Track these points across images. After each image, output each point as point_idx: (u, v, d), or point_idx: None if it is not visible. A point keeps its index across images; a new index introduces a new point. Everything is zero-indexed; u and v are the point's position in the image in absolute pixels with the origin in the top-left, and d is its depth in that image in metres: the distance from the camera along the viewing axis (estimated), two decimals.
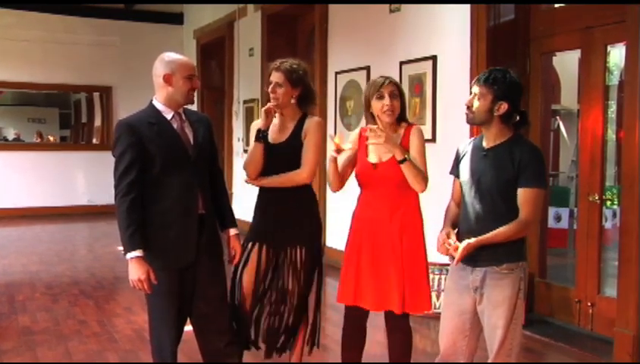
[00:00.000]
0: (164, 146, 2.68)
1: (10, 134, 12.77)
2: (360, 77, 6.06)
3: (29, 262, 6.77)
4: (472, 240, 2.52)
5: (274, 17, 7.78)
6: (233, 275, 3.14)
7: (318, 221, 3.17)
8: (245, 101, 8.51)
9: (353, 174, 3.02)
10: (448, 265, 2.83)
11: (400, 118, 2.92)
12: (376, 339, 3.11)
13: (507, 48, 4.63)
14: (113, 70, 10.73)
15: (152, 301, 2.76)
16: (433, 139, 5.06)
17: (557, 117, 7.72)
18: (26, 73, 10.24)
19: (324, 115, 6.64)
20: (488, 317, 2.56)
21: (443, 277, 4.63)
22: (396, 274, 2.82)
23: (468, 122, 2.65)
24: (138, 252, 2.59)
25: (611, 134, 6.44)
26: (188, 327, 2.90)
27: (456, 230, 2.70)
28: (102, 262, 6.82)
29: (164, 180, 2.68)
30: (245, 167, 3.06)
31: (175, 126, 2.75)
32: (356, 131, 3.07)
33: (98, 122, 11.44)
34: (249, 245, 3.10)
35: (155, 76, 2.74)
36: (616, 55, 6.15)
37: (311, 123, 3.06)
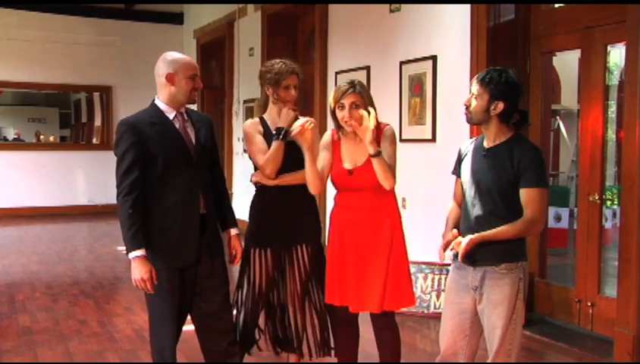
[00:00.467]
0: (166, 146, 2.68)
1: (11, 134, 12.79)
2: (360, 77, 6.04)
3: (29, 261, 6.77)
4: (475, 235, 2.52)
5: (274, 17, 7.78)
6: (239, 279, 3.14)
7: (319, 218, 3.19)
8: (245, 101, 8.51)
9: None
10: (448, 265, 2.84)
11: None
12: (371, 337, 3.11)
13: (507, 48, 4.63)
14: (113, 70, 10.73)
15: (152, 301, 2.76)
16: (433, 139, 5.06)
17: (557, 117, 7.73)
18: (26, 73, 10.25)
19: (324, 115, 6.63)
20: (488, 317, 2.56)
21: (443, 277, 4.63)
22: (379, 273, 2.82)
23: (467, 122, 2.66)
24: (141, 252, 2.60)
25: (611, 134, 6.44)
26: (188, 327, 2.90)
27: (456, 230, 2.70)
28: (102, 261, 6.82)
29: (166, 180, 2.68)
30: (264, 167, 3.00)
31: (177, 126, 2.75)
32: (328, 133, 3.01)
33: (98, 122, 11.45)
34: (254, 250, 3.09)
35: (157, 76, 2.74)
36: (616, 55, 6.15)
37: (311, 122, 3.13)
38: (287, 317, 3.17)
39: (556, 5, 4.63)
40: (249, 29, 8.32)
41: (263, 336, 3.24)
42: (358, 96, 2.82)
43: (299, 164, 3.02)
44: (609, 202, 5.32)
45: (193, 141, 2.77)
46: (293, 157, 3.02)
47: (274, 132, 3.03)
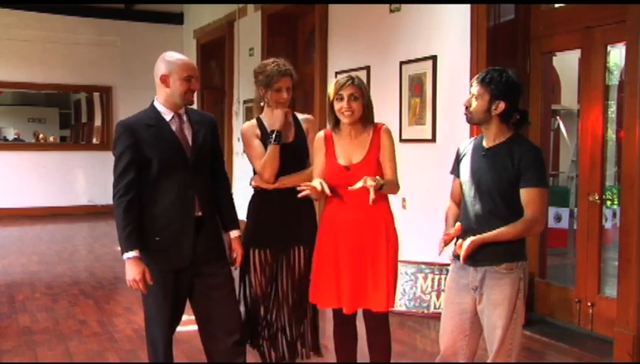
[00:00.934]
0: (161, 149, 2.67)
1: (11, 134, 12.79)
2: (360, 77, 6.04)
3: (29, 261, 6.77)
4: (477, 237, 2.52)
5: (274, 17, 7.78)
6: (240, 281, 3.14)
7: (317, 220, 3.19)
8: (245, 102, 8.51)
9: None
10: (448, 264, 2.83)
11: (366, 119, 2.88)
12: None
13: (507, 48, 4.63)
14: (113, 70, 10.73)
15: (146, 301, 2.77)
16: (433, 139, 5.06)
17: (557, 117, 7.72)
18: (26, 73, 10.25)
19: (324, 115, 6.59)
20: (488, 317, 2.56)
21: (443, 277, 4.63)
22: (379, 272, 2.81)
23: (467, 122, 2.66)
24: (134, 253, 2.61)
25: (611, 134, 6.44)
26: (189, 328, 2.90)
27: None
28: (102, 261, 6.82)
29: (161, 182, 2.68)
30: (261, 172, 2.98)
31: (174, 128, 2.74)
32: (320, 134, 3.00)
33: (98, 122, 11.45)
34: (253, 250, 3.08)
35: (155, 76, 2.73)
36: (616, 55, 6.15)
37: (309, 122, 3.18)
38: (280, 318, 3.16)
39: (556, 5, 4.63)
40: (249, 29, 8.32)
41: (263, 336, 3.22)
42: (357, 89, 2.83)
43: (297, 166, 3.02)
44: (609, 202, 5.32)
45: (190, 143, 2.76)
46: (290, 158, 3.02)
47: (269, 134, 3.02)
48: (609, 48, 4.32)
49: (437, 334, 2.82)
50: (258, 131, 3.07)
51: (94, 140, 11.66)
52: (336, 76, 6.44)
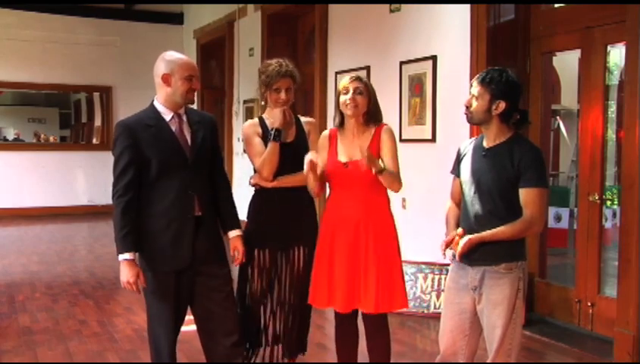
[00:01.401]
0: (161, 150, 2.67)
1: (11, 134, 12.78)
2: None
3: (29, 261, 6.77)
4: (474, 235, 2.52)
5: (274, 17, 7.78)
6: (241, 281, 3.13)
7: (317, 220, 3.19)
8: (245, 101, 8.51)
9: None
10: (448, 264, 2.83)
11: (371, 118, 2.90)
12: None
13: (507, 48, 4.63)
14: (113, 70, 10.73)
15: (149, 302, 2.77)
16: (433, 139, 5.06)
17: (557, 117, 7.72)
18: (26, 73, 10.25)
19: (324, 115, 6.64)
20: (487, 316, 2.56)
21: (443, 277, 4.63)
22: (371, 274, 2.81)
23: (468, 122, 2.66)
24: (129, 255, 2.62)
25: (611, 134, 6.44)
26: (189, 328, 2.90)
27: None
28: (102, 261, 6.82)
29: (161, 182, 2.68)
30: (260, 169, 2.99)
31: (174, 128, 2.74)
32: (326, 132, 3.04)
33: (98, 122, 11.46)
34: (253, 250, 3.07)
35: (155, 76, 2.73)
36: (616, 55, 6.15)
37: (311, 124, 3.21)
38: (279, 319, 3.16)
39: (556, 5, 4.63)
40: (249, 29, 8.32)
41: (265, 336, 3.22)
42: (363, 85, 2.88)
43: (297, 166, 3.02)
44: (609, 202, 5.33)
45: (190, 143, 2.75)
46: (290, 158, 3.02)
47: (269, 133, 3.03)
48: (609, 48, 4.32)
49: (437, 334, 2.82)
50: (259, 129, 3.08)
51: (94, 140, 11.66)
52: (336, 76, 6.45)
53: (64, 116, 13.63)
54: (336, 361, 3.15)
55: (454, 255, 2.63)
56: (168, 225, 2.70)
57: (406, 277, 4.76)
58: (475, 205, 2.58)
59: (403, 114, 5.35)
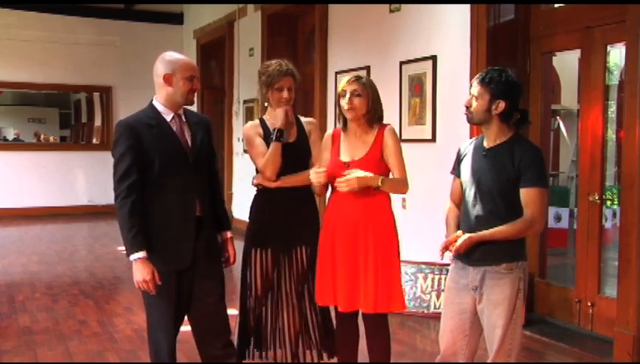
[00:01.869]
0: (163, 149, 2.67)
1: (10, 134, 12.78)
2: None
3: (29, 261, 6.77)
4: (474, 234, 2.52)
5: (274, 17, 7.78)
6: (242, 282, 3.13)
7: (318, 219, 3.19)
8: (245, 101, 8.51)
9: None
10: (448, 264, 2.83)
11: (372, 119, 2.89)
12: None
13: (507, 48, 4.63)
14: (113, 70, 10.73)
15: (150, 302, 2.76)
16: (433, 139, 5.06)
17: (557, 117, 7.73)
18: (26, 73, 10.25)
19: (324, 115, 6.64)
20: (488, 316, 2.56)
21: (443, 277, 4.63)
22: (370, 274, 2.81)
23: (468, 122, 2.66)
24: (142, 253, 2.59)
25: (611, 134, 6.44)
26: (188, 328, 2.90)
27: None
28: (102, 261, 6.82)
29: (162, 182, 2.67)
30: (263, 170, 2.99)
31: (174, 128, 2.74)
32: (329, 132, 3.05)
33: (98, 122, 11.45)
34: (254, 250, 3.08)
35: (155, 76, 2.73)
36: (616, 55, 6.15)
37: (312, 124, 3.22)
38: (281, 319, 3.15)
39: (556, 5, 4.63)
40: (249, 29, 8.33)
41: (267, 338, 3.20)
42: (361, 86, 2.88)
43: (299, 166, 3.03)
44: (609, 202, 5.33)
45: (190, 143, 2.76)
46: (292, 158, 3.02)
47: (271, 133, 3.03)
48: (609, 48, 4.32)
49: (437, 334, 2.83)
50: (260, 130, 3.08)
51: (94, 140, 11.66)
52: (336, 76, 6.46)
53: (64, 116, 13.62)
54: (336, 361, 3.15)
55: (455, 256, 2.63)
56: (170, 225, 2.69)
57: (406, 277, 4.77)
58: (475, 205, 2.58)
59: (403, 114, 5.35)
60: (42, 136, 12.36)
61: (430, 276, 4.78)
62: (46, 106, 13.56)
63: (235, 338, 3.13)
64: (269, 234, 3.07)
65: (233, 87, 8.91)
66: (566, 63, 6.88)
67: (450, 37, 4.91)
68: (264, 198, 3.10)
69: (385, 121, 2.99)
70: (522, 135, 2.64)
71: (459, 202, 2.73)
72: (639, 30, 3.61)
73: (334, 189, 2.96)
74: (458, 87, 4.68)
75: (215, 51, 9.74)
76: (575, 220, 5.21)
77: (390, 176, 2.90)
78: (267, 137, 3.04)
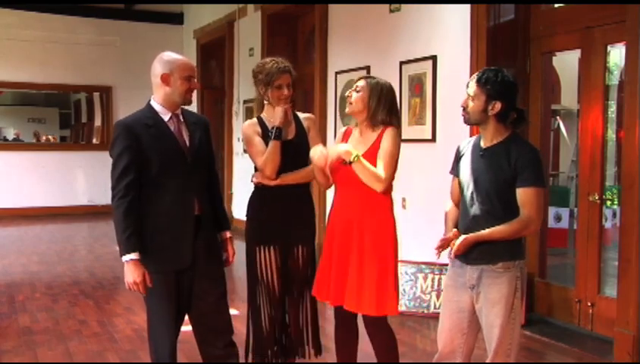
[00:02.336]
0: (161, 149, 2.67)
1: (10, 134, 12.78)
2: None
3: (29, 261, 6.77)
4: (471, 234, 2.53)
5: (274, 17, 7.78)
6: (251, 284, 3.13)
7: (315, 217, 3.22)
8: (245, 101, 8.50)
9: None
10: (447, 264, 2.83)
11: (372, 121, 2.89)
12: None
13: (507, 48, 4.63)
14: (113, 70, 10.73)
15: (150, 302, 2.76)
16: (433, 139, 5.06)
17: (557, 117, 7.72)
18: (26, 73, 10.25)
19: (324, 115, 6.64)
20: (486, 316, 2.57)
21: (443, 277, 4.63)
22: (358, 274, 2.82)
23: (465, 123, 2.67)
24: (134, 255, 2.60)
25: (611, 134, 6.44)
26: (188, 328, 2.90)
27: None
28: (102, 261, 6.82)
29: (161, 182, 2.67)
30: (263, 168, 3.00)
31: (172, 128, 2.74)
32: (343, 129, 3.09)
33: (98, 122, 11.45)
34: (259, 248, 3.07)
35: (153, 76, 2.73)
36: (616, 55, 6.15)
37: (310, 120, 3.22)
38: (287, 318, 3.16)
39: (556, 5, 4.63)
40: (249, 29, 8.33)
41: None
42: (364, 84, 2.93)
43: (298, 163, 3.04)
44: (609, 202, 5.33)
45: (188, 143, 2.76)
46: (292, 155, 3.03)
47: (269, 131, 3.03)
48: (609, 48, 4.32)
49: (437, 333, 2.82)
50: (258, 129, 3.08)
51: (94, 140, 11.66)
52: (336, 76, 6.46)
53: (64, 116, 13.62)
54: (336, 361, 3.15)
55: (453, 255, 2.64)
56: (169, 225, 2.69)
57: (406, 277, 4.77)
58: (472, 205, 2.59)
59: (403, 114, 5.34)
60: (43, 137, 12.35)
61: (430, 276, 4.78)
62: (46, 106, 13.57)
63: (248, 342, 3.14)
64: (270, 232, 3.07)
65: (233, 87, 8.91)
66: (566, 63, 6.88)
67: (450, 37, 4.91)
68: (263, 196, 3.10)
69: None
70: (518, 135, 2.64)
71: (459, 201, 2.73)
72: (639, 30, 3.61)
73: (335, 186, 2.97)
74: (458, 87, 4.66)
75: (215, 51, 9.74)
76: (575, 220, 5.22)
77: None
78: (265, 135, 3.05)
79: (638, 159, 3.61)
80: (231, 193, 8.76)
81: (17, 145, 11.66)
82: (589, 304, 4.22)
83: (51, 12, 10.18)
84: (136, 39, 10.63)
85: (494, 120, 2.56)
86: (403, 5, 5.41)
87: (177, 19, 11.04)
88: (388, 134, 2.87)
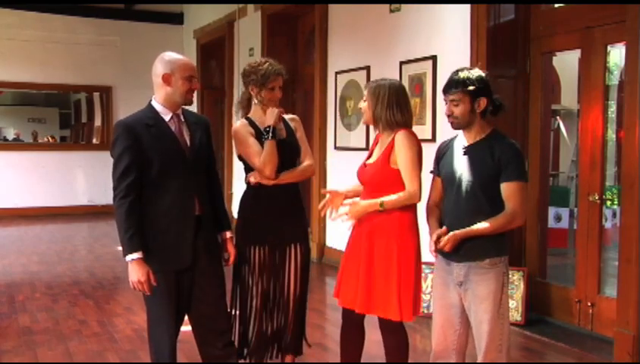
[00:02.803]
0: (162, 149, 2.67)
1: (10, 134, 12.79)
2: (360, 77, 6.06)
3: (29, 261, 6.77)
4: (458, 231, 2.55)
5: (274, 17, 7.78)
6: (237, 282, 3.13)
7: (306, 217, 3.26)
8: None
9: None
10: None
11: (379, 124, 2.90)
12: (373, 338, 3.12)
13: (507, 48, 4.63)
14: (113, 70, 10.73)
15: (150, 303, 2.76)
16: (433, 139, 5.06)
17: (557, 117, 7.73)
18: (26, 73, 10.25)
19: (324, 115, 6.64)
20: (474, 312, 2.59)
21: None
22: (367, 274, 2.84)
23: (455, 129, 2.69)
24: (138, 254, 2.60)
25: (611, 134, 6.44)
26: (188, 328, 2.90)
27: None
28: (102, 261, 6.82)
29: (161, 182, 2.68)
30: (262, 168, 2.99)
31: (173, 128, 2.74)
32: (375, 135, 3.10)
33: (98, 122, 11.45)
34: (251, 248, 3.08)
35: (154, 76, 2.73)
36: (616, 55, 6.16)
37: (296, 121, 3.25)
38: (280, 316, 3.16)
39: (556, 5, 4.63)
40: (249, 29, 8.33)
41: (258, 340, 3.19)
42: (366, 91, 2.96)
43: (292, 161, 3.09)
44: (609, 202, 5.33)
45: (188, 143, 2.76)
46: (287, 154, 3.05)
47: (264, 131, 3.03)
48: (609, 48, 4.32)
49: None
50: (251, 129, 3.08)
51: (94, 140, 11.66)
52: (336, 77, 6.47)
53: (64, 116, 13.63)
54: (336, 361, 3.15)
55: (439, 252, 2.65)
56: (169, 225, 2.70)
57: None
58: (457, 202, 2.62)
59: None
60: (45, 138, 12.34)
61: (430, 276, 4.77)
62: (46, 106, 13.57)
63: (242, 341, 3.14)
64: (264, 231, 3.07)
65: (233, 87, 8.90)
66: (566, 63, 6.89)
67: (450, 37, 4.91)
68: (256, 194, 3.09)
69: None
70: (499, 131, 2.69)
71: (440, 201, 2.76)
72: (639, 30, 3.61)
73: (362, 188, 2.99)
74: None
75: (215, 51, 9.74)
76: (575, 220, 5.22)
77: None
78: (258, 136, 3.05)
79: (638, 159, 3.61)
80: (231, 193, 8.76)
81: (17, 145, 11.67)
82: (589, 304, 4.22)
83: (51, 12, 10.18)
84: (136, 39, 10.63)
85: (478, 117, 2.61)
86: (403, 5, 5.41)
87: (177, 19, 11.05)
88: (400, 140, 2.81)
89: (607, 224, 4.99)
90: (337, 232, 6.53)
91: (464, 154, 2.63)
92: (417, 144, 2.83)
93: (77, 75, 10.56)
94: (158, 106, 2.74)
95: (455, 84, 2.59)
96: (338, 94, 6.46)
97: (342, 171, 6.20)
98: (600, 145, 4.20)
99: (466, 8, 4.68)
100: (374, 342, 3.21)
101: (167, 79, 2.69)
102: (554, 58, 5.09)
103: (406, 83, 5.33)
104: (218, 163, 7.89)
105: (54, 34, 10.29)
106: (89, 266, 6.60)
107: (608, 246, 4.82)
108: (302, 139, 3.18)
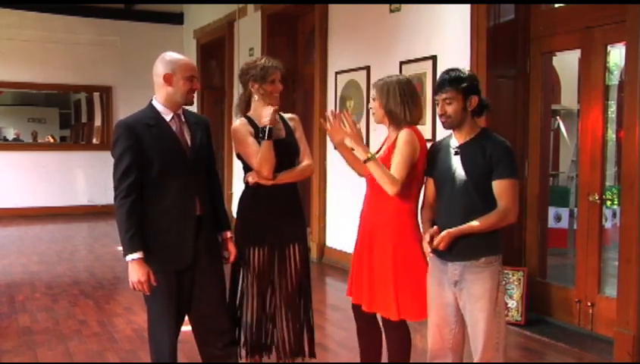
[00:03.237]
0: (163, 149, 2.67)
1: (10, 134, 12.80)
2: (360, 77, 6.06)
3: (29, 261, 6.77)
4: (452, 229, 2.55)
5: (274, 17, 7.78)
6: (232, 282, 3.13)
7: (305, 217, 3.26)
8: None
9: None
10: None
11: (391, 121, 2.90)
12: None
13: (507, 48, 4.63)
14: (113, 70, 10.73)
15: (151, 302, 2.76)
16: (433, 139, 5.05)
17: (557, 117, 7.73)
18: (26, 73, 10.25)
19: (324, 115, 6.62)
20: (470, 311, 2.59)
21: None
22: (369, 271, 2.86)
23: (447, 128, 2.70)
24: (138, 254, 2.60)
25: (611, 134, 6.44)
26: (188, 328, 2.90)
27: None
28: (102, 261, 6.82)
29: (162, 182, 2.68)
30: (259, 169, 2.97)
31: (174, 128, 2.74)
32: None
33: (98, 122, 11.45)
34: (249, 248, 3.07)
35: (155, 76, 2.73)
36: (616, 55, 6.16)
37: (295, 121, 3.24)
38: (278, 318, 3.14)
39: (556, 5, 4.63)
40: (249, 29, 8.33)
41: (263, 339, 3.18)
42: (375, 89, 2.99)
43: (291, 161, 3.07)
44: (609, 202, 5.33)
45: (189, 143, 2.77)
46: (285, 154, 3.04)
47: (260, 131, 3.02)
48: (609, 48, 4.32)
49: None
50: (250, 128, 3.05)
51: (94, 140, 11.66)
52: (336, 77, 6.46)
53: (64, 116, 13.64)
54: (337, 361, 3.14)
55: (433, 251, 2.65)
56: (170, 225, 2.70)
57: None
58: (451, 202, 2.63)
59: None
60: (45, 138, 12.35)
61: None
62: (46, 106, 13.58)
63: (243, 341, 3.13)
64: (263, 231, 3.05)
65: (233, 87, 8.89)
66: (566, 63, 6.89)
67: (450, 37, 4.91)
68: (255, 194, 3.08)
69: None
70: (489, 130, 2.71)
71: (433, 201, 2.77)
72: (639, 30, 3.61)
73: (366, 185, 2.99)
74: None
75: (215, 51, 9.74)
76: (575, 220, 5.22)
77: None
78: (257, 135, 3.04)
79: (638, 159, 3.61)
80: (231, 193, 8.76)
81: (17, 145, 11.67)
82: (589, 304, 4.22)
83: (51, 12, 10.18)
84: (136, 39, 10.64)
85: (469, 116, 2.63)
86: (403, 5, 5.42)
87: (177, 19, 11.05)
88: (402, 137, 2.82)
89: (607, 224, 4.99)
90: (337, 232, 6.53)
91: (455, 154, 2.65)
92: (415, 141, 2.82)
93: (77, 75, 10.57)
94: (159, 106, 2.74)
95: (448, 82, 2.60)
96: (338, 94, 6.47)
97: (342, 170, 6.20)
98: (600, 145, 4.20)
99: (466, 8, 4.68)
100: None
101: (168, 79, 2.69)
102: (554, 58, 5.09)
103: None
104: (218, 163, 7.90)
105: (54, 34, 10.29)
106: (89, 266, 6.60)
107: (608, 246, 4.82)
108: (301, 139, 3.17)
